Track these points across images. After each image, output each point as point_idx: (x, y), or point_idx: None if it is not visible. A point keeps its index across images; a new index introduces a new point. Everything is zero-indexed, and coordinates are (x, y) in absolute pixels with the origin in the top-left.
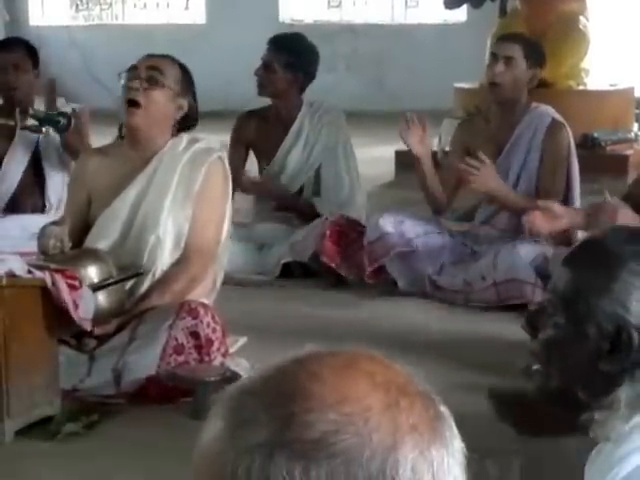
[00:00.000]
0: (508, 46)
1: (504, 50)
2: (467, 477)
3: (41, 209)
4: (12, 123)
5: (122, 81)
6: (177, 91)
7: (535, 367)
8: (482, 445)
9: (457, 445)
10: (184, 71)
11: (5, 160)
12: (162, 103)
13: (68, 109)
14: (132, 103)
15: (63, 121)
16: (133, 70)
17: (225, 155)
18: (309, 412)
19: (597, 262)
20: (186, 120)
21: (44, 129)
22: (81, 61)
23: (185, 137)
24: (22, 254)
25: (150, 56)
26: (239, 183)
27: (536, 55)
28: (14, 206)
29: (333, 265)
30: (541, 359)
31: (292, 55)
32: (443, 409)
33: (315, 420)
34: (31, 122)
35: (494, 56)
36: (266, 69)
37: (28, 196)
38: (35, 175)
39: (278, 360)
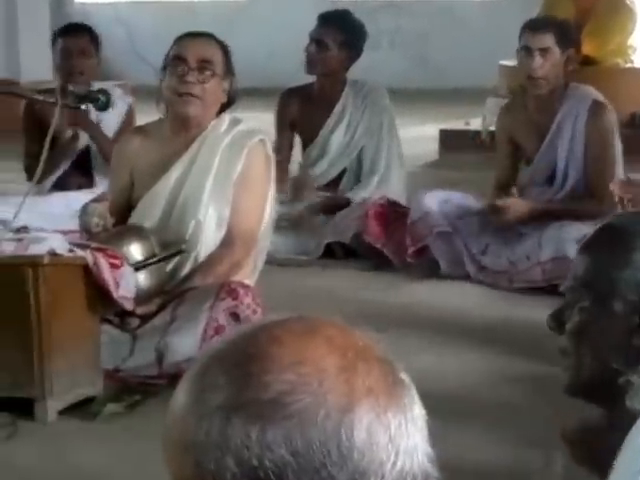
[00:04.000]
0: (540, 37)
1: (537, 42)
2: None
3: (88, 188)
4: (52, 100)
5: (170, 71)
6: (222, 74)
7: (566, 363)
8: (524, 435)
9: (417, 412)
10: (224, 51)
11: (61, 140)
12: (214, 92)
13: (123, 99)
14: (189, 95)
15: (102, 99)
16: (182, 61)
17: (267, 137)
18: (266, 373)
19: (613, 241)
20: (228, 99)
21: (83, 106)
22: (126, 38)
23: (227, 118)
24: (66, 232)
25: (193, 39)
26: (283, 175)
27: (567, 37)
28: (61, 184)
29: (378, 245)
30: (571, 351)
31: (345, 33)
32: (404, 376)
33: (271, 381)
34: (71, 100)
35: (528, 50)
36: (318, 46)
37: (75, 175)
38: (83, 154)
39: (246, 326)
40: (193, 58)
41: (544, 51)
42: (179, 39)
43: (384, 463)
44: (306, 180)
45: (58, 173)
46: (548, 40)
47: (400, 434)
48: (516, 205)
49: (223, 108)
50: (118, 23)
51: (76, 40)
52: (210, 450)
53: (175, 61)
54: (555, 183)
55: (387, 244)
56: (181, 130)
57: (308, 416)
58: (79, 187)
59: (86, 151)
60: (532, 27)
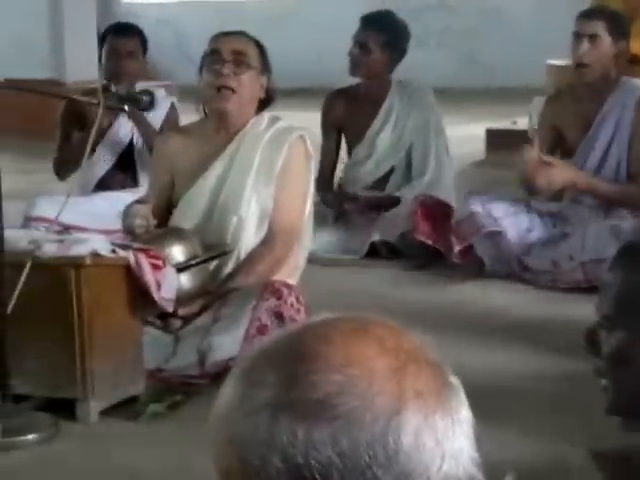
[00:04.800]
0: (591, 23)
1: (587, 28)
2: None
3: (131, 187)
4: (95, 101)
5: (205, 66)
6: (259, 69)
7: (604, 384)
8: (563, 433)
9: (465, 415)
10: (259, 46)
11: (99, 148)
12: (251, 85)
13: (166, 99)
14: (225, 88)
15: (145, 99)
16: (216, 54)
17: (306, 134)
18: (314, 373)
19: None
20: (266, 97)
21: (126, 107)
22: (173, 38)
23: (266, 116)
24: (109, 232)
25: (227, 35)
26: (330, 175)
27: (620, 28)
28: (105, 184)
29: (430, 242)
30: (609, 375)
31: (387, 34)
32: (453, 379)
33: (319, 381)
34: (114, 101)
35: (577, 35)
36: (362, 49)
37: (120, 175)
38: (128, 155)
39: (295, 325)
40: (227, 51)
41: (593, 38)
42: (213, 37)
43: (430, 466)
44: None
45: (102, 172)
46: (598, 27)
47: (447, 437)
48: (563, 167)
49: (262, 106)
50: (165, 23)
51: (125, 41)
52: (256, 446)
53: (210, 56)
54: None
55: (439, 241)
56: (221, 128)
57: (356, 418)
58: (123, 187)
59: (129, 150)
60: (584, 14)
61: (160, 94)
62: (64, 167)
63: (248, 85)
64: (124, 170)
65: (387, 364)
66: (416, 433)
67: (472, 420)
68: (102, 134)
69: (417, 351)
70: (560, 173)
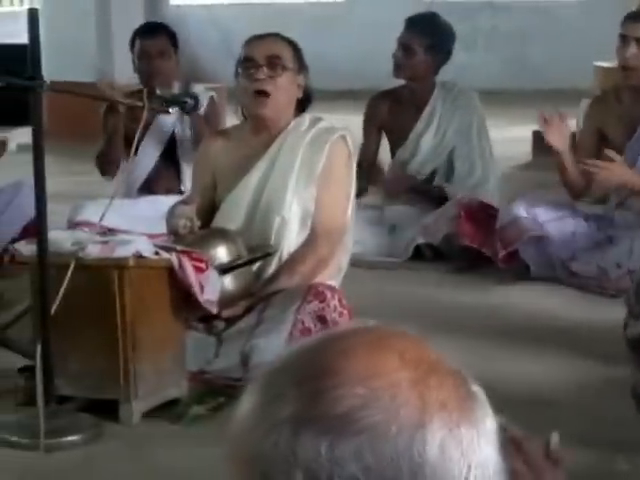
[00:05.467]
0: (637, 26)
1: (634, 31)
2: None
3: (175, 192)
4: (140, 104)
5: (240, 72)
6: (295, 70)
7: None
8: (607, 438)
9: (490, 424)
10: (294, 46)
11: (142, 143)
12: (287, 87)
13: (204, 94)
14: (261, 93)
15: (190, 102)
16: (250, 61)
17: (348, 133)
18: (337, 387)
19: None
20: (304, 96)
21: (171, 110)
22: (221, 40)
23: (308, 117)
24: (152, 236)
25: (260, 39)
26: (373, 174)
27: None
28: (149, 188)
29: (475, 245)
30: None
31: (432, 37)
32: (476, 388)
33: (342, 395)
34: (158, 104)
35: (624, 38)
36: (405, 51)
37: (163, 179)
38: (171, 159)
39: (313, 338)
40: (261, 56)
41: (639, 41)
42: (246, 42)
43: (456, 478)
44: (401, 176)
45: (146, 171)
46: None
47: (472, 448)
48: (620, 166)
49: (302, 106)
50: (213, 25)
51: (154, 41)
52: (278, 462)
53: (244, 62)
54: None
55: (483, 244)
56: (261, 130)
57: (379, 431)
58: (167, 191)
59: (173, 145)
60: (632, 16)
61: (199, 89)
62: (106, 165)
63: (284, 87)
64: (167, 173)
65: (409, 376)
66: (441, 445)
67: (497, 429)
68: (145, 129)
69: (438, 362)
70: (619, 171)
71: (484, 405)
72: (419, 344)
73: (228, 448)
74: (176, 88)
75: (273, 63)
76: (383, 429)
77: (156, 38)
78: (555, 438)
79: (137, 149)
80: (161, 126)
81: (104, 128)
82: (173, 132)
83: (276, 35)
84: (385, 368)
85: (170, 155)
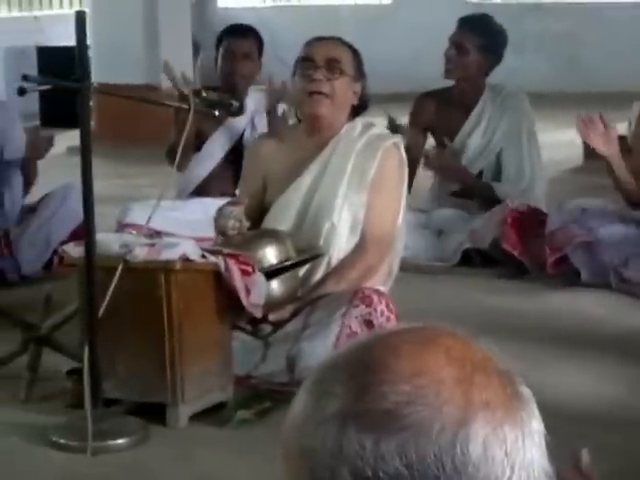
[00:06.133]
0: None
1: None
2: None
3: (229, 196)
4: (186, 106)
5: (299, 72)
6: (353, 76)
7: None
8: None
9: (535, 426)
10: (354, 53)
11: (206, 144)
12: (344, 91)
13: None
14: (318, 94)
15: (235, 104)
16: (310, 61)
17: (401, 141)
18: (382, 384)
19: None
20: (360, 103)
21: (216, 112)
22: (268, 42)
23: (360, 122)
24: (200, 239)
25: (321, 41)
26: (416, 164)
27: None
28: (204, 190)
29: (515, 253)
30: None
31: (485, 37)
32: (523, 389)
33: (388, 391)
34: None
35: None
36: (458, 50)
37: (220, 182)
38: (231, 163)
39: (364, 336)
40: (320, 57)
41: None
42: (307, 43)
43: (499, 478)
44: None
45: (206, 171)
46: None
47: (516, 449)
48: None
49: (356, 112)
50: (260, 27)
51: (241, 43)
52: (325, 458)
53: (303, 62)
54: None
55: (524, 252)
56: (314, 132)
57: (423, 428)
58: (222, 193)
59: (239, 147)
60: None
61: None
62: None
63: (341, 91)
64: (224, 177)
65: (454, 374)
66: (484, 444)
67: (544, 431)
68: (213, 129)
69: (485, 361)
70: None
71: (531, 406)
72: (467, 343)
73: (281, 444)
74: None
75: (332, 66)
76: (427, 426)
77: (244, 39)
78: (586, 455)
79: (200, 149)
80: (231, 129)
81: (175, 124)
82: (242, 136)
83: (338, 39)
84: (431, 366)
85: (233, 158)
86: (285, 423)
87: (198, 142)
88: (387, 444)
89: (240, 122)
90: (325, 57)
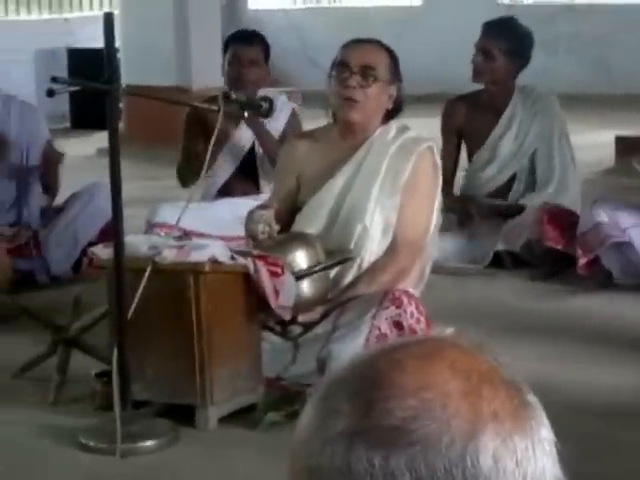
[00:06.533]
0: None
1: None
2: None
3: (253, 195)
4: (215, 108)
5: (333, 76)
6: (388, 80)
7: None
8: None
9: (545, 434)
10: (392, 56)
11: (225, 147)
12: (378, 97)
13: (286, 105)
14: (351, 100)
15: (265, 106)
16: (345, 67)
17: (435, 145)
18: (388, 399)
19: None
20: (394, 106)
21: (245, 114)
22: (299, 44)
23: (394, 125)
24: (230, 239)
25: (358, 44)
26: (450, 179)
27: None
28: (227, 191)
29: (559, 247)
30: None
31: (511, 41)
32: (531, 398)
33: (394, 407)
34: (233, 107)
35: None
36: (484, 56)
37: (241, 183)
38: (251, 163)
39: (369, 350)
40: (356, 63)
41: None
42: (344, 45)
43: None
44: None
45: (223, 180)
46: None
47: (527, 458)
48: None
49: (390, 115)
50: (290, 29)
51: (248, 49)
52: (334, 476)
53: (339, 67)
54: None
55: (568, 246)
56: (348, 135)
57: (432, 442)
58: (245, 194)
59: (251, 157)
60: None
61: (281, 101)
62: (187, 175)
63: (374, 97)
64: (246, 177)
65: (460, 387)
66: (495, 455)
67: (553, 439)
68: (224, 141)
69: (491, 372)
70: None
71: (539, 415)
72: (472, 354)
73: (288, 460)
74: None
75: (366, 73)
76: (435, 440)
77: (250, 46)
78: None
79: (217, 154)
80: (241, 137)
81: (185, 135)
82: (252, 147)
83: (375, 42)
84: (436, 379)
85: (250, 160)
86: (292, 440)
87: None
88: (396, 460)
89: (248, 134)
90: (360, 63)
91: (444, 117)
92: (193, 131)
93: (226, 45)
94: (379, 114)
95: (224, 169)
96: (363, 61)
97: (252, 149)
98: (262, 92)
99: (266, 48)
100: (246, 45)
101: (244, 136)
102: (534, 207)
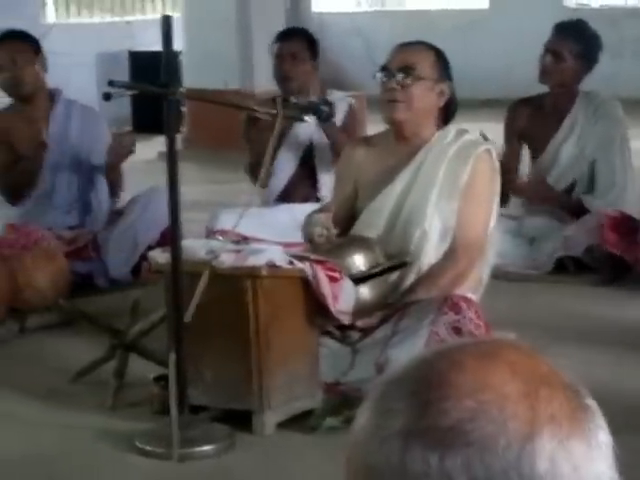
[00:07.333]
0: None
1: None
2: None
3: (312, 201)
4: (274, 112)
5: (378, 80)
6: (435, 77)
7: None
8: None
9: (603, 438)
10: (438, 54)
11: (280, 152)
12: (422, 95)
13: (342, 101)
14: (393, 101)
15: (325, 110)
16: (385, 70)
17: (493, 147)
18: (445, 399)
19: None
20: (449, 105)
21: (305, 118)
22: (363, 48)
23: (453, 129)
24: (288, 244)
25: (399, 47)
26: (512, 184)
27: None
28: (286, 197)
29: (618, 252)
30: None
31: (581, 43)
32: (589, 401)
33: (451, 407)
34: (293, 111)
35: None
36: (554, 57)
37: (300, 187)
38: (308, 167)
39: (426, 351)
40: (395, 65)
41: None
42: (391, 51)
43: None
44: (542, 183)
45: (284, 181)
46: None
47: (584, 461)
48: None
49: (446, 116)
50: (355, 33)
51: (288, 45)
52: (390, 475)
53: (380, 71)
54: None
55: (627, 251)
56: (401, 139)
57: (488, 444)
58: (305, 199)
59: (310, 154)
60: None
61: (337, 96)
62: (255, 171)
63: (418, 96)
64: (305, 181)
65: (518, 388)
66: (551, 458)
67: (611, 443)
68: (282, 138)
69: (550, 374)
70: None
71: (597, 418)
72: (531, 356)
73: (345, 460)
74: (313, 95)
75: (406, 73)
76: (492, 441)
77: (290, 41)
78: None
79: (274, 158)
80: (298, 135)
81: (244, 135)
82: (311, 141)
83: (419, 44)
84: (494, 381)
85: (307, 164)
86: (349, 440)
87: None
88: (452, 460)
89: (306, 129)
90: (399, 65)
91: (507, 119)
92: (251, 133)
93: (272, 45)
94: (430, 114)
95: (283, 170)
96: (402, 62)
97: (310, 152)
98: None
99: (310, 43)
100: (285, 41)
101: (301, 132)
102: (595, 212)
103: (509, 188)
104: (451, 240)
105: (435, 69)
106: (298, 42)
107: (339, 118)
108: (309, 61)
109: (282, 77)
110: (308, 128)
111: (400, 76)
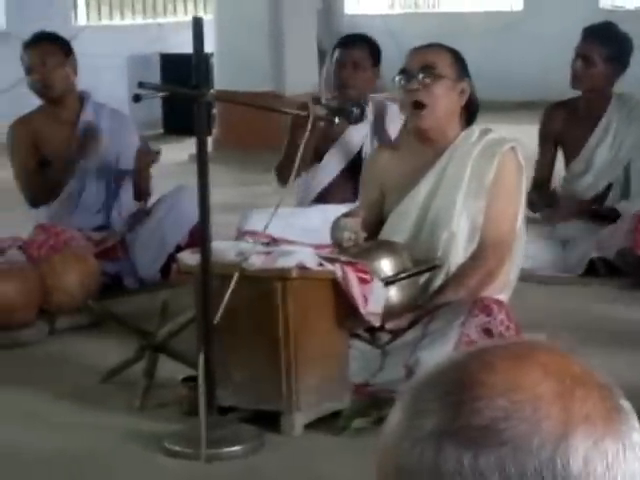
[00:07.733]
0: None
1: None
2: None
3: (351, 203)
4: (305, 113)
5: (396, 84)
6: (454, 76)
7: None
8: None
9: (637, 439)
10: (454, 54)
11: (326, 155)
12: (445, 95)
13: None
14: (417, 105)
15: (356, 112)
16: (404, 72)
17: (518, 145)
18: (478, 399)
19: None
20: (470, 104)
21: (336, 119)
22: (396, 50)
23: (477, 129)
24: (319, 246)
25: (415, 50)
26: (545, 190)
27: None
28: (325, 198)
29: None
30: None
31: (612, 47)
32: (623, 402)
33: (484, 407)
34: (324, 113)
35: None
36: (584, 62)
37: (340, 192)
38: (352, 172)
39: (458, 352)
40: (413, 66)
41: None
42: (407, 54)
43: None
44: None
45: (326, 182)
46: None
47: (618, 462)
48: None
49: (469, 115)
50: (388, 35)
51: (350, 52)
52: (423, 475)
53: (400, 75)
54: None
55: None
56: (426, 141)
57: (522, 443)
58: (343, 201)
59: (357, 161)
60: None
61: (393, 109)
62: (286, 173)
63: (441, 96)
64: (347, 184)
65: (552, 388)
66: (585, 458)
67: None
68: (333, 141)
69: (584, 375)
70: None
71: (631, 419)
72: (564, 357)
73: (376, 460)
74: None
75: (427, 72)
76: (526, 441)
77: (352, 49)
78: None
79: (320, 159)
80: (350, 139)
81: (289, 136)
82: (360, 150)
83: (434, 45)
84: (528, 381)
85: (353, 168)
86: (380, 441)
87: (318, 154)
88: (486, 459)
89: (359, 132)
90: (418, 65)
91: (542, 123)
92: (295, 135)
93: (333, 50)
94: (453, 114)
95: (327, 171)
96: (421, 62)
97: (359, 152)
98: (371, 97)
99: (373, 50)
100: (348, 48)
101: (354, 138)
102: (628, 215)
103: (542, 205)
104: (479, 240)
105: (454, 68)
106: (360, 50)
107: (395, 129)
108: (370, 69)
109: (341, 84)
110: (361, 133)
111: (421, 76)
